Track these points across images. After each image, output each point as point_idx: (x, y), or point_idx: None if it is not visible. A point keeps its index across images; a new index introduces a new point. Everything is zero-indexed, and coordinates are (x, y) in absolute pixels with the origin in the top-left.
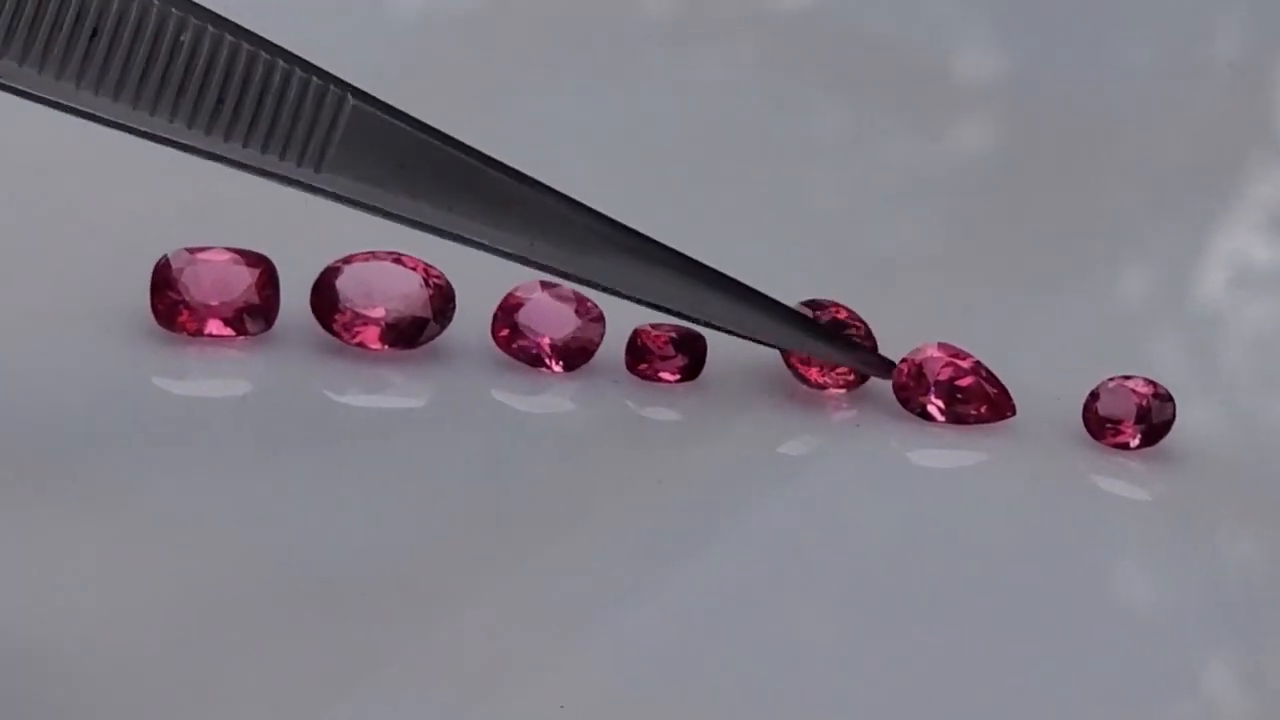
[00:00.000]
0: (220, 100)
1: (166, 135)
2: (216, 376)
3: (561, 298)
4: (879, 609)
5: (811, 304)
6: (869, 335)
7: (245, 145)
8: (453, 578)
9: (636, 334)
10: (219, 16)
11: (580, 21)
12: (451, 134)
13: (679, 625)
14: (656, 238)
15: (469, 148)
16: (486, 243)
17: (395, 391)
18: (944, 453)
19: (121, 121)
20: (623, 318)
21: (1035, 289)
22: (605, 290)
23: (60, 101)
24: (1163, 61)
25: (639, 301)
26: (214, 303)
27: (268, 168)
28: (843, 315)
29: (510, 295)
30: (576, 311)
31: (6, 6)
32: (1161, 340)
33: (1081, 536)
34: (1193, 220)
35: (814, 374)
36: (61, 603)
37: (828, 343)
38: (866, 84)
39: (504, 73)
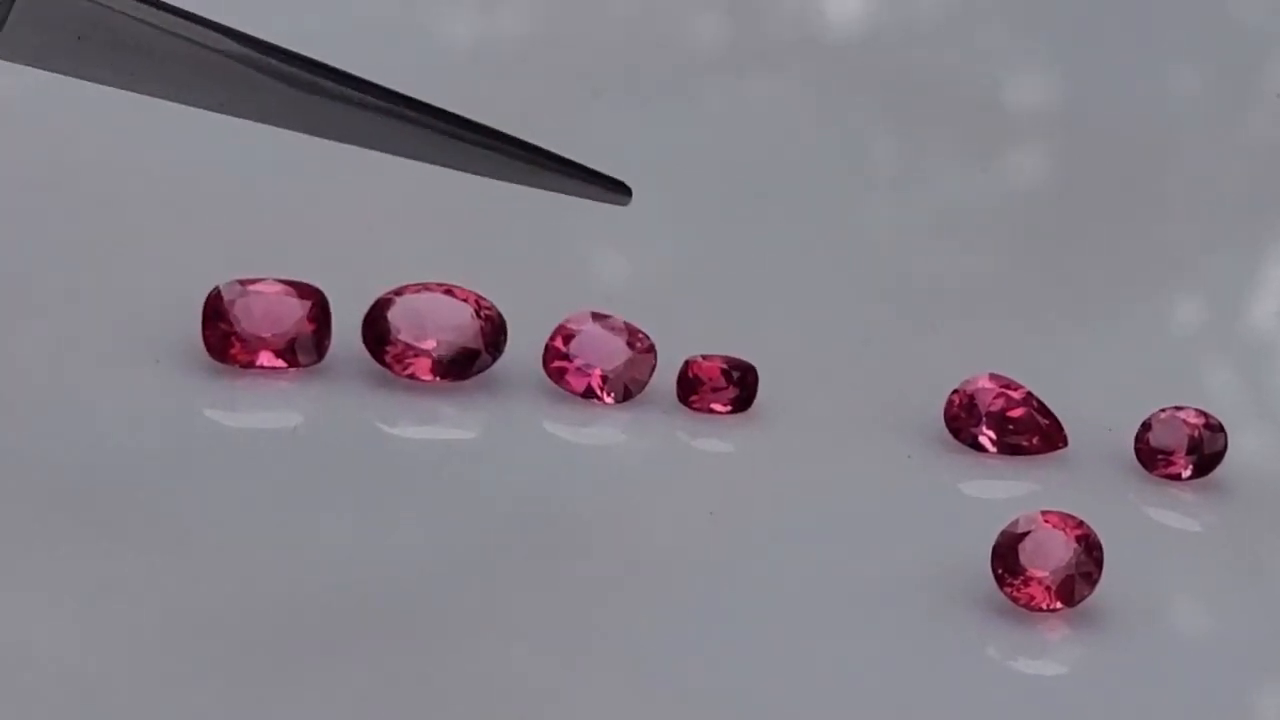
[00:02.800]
0: None
1: None
2: (268, 408)
3: (613, 329)
4: (933, 630)
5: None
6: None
7: None
8: (503, 610)
9: (688, 365)
10: None
11: (631, 50)
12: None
13: (729, 658)
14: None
15: (151, 6)
16: (180, 103)
17: (447, 423)
18: (995, 484)
19: None
20: (675, 349)
21: (1087, 319)
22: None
23: None
24: (1214, 91)
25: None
26: (266, 334)
27: None
28: None
29: (562, 327)
30: (628, 343)
31: None
32: (1215, 370)
33: (1133, 567)
34: (1246, 250)
35: None
36: (113, 636)
37: (555, 170)
38: (917, 114)
39: (556, 101)
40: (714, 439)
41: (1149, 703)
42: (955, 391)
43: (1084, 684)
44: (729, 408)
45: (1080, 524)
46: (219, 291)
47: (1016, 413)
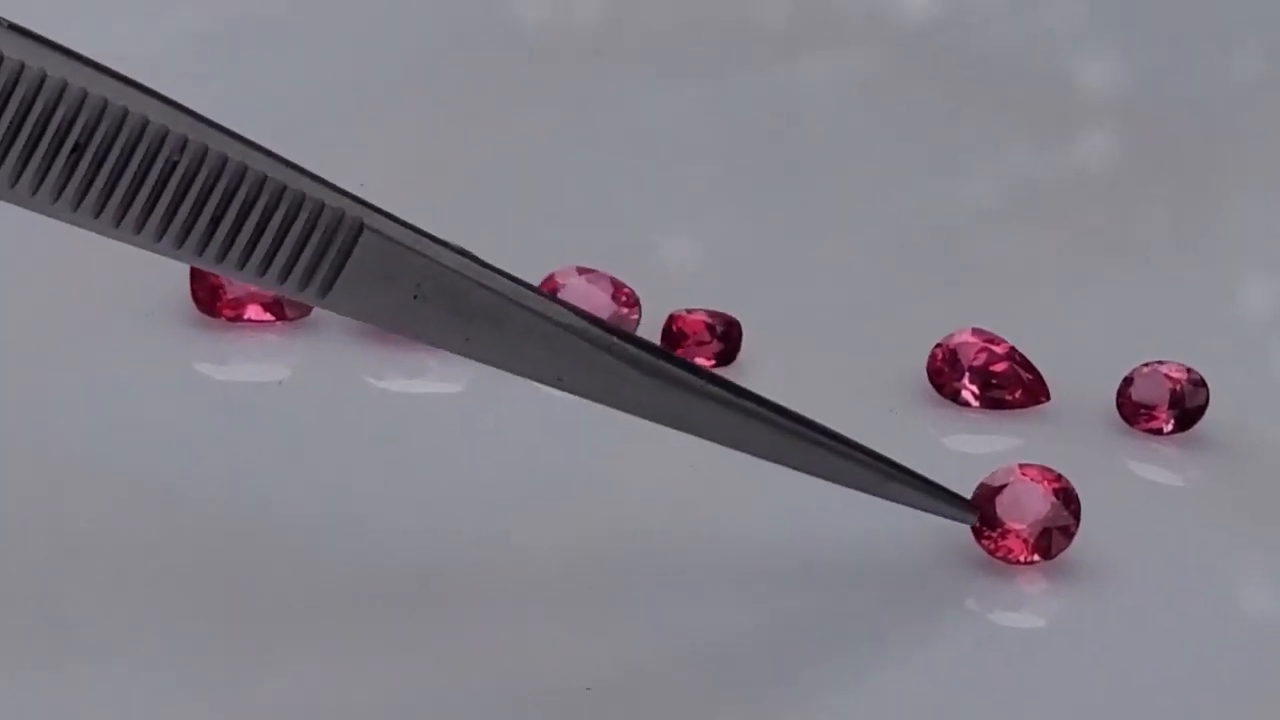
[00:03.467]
0: (214, 224)
1: (152, 250)
2: (257, 361)
3: (598, 283)
4: (913, 583)
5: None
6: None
7: (240, 269)
8: (489, 560)
9: (672, 319)
10: (220, 130)
11: (697, 30)
12: (482, 256)
13: (711, 611)
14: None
15: (492, 272)
16: (513, 373)
17: (433, 376)
18: (978, 437)
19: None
20: (659, 302)
21: (1073, 278)
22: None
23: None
24: None
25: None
26: (254, 288)
27: (266, 288)
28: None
29: (548, 280)
30: (613, 296)
31: None
32: (1197, 327)
33: (1114, 521)
34: (1225, 218)
35: None
36: (103, 586)
37: (908, 485)
38: (985, 96)
39: (620, 81)
40: None
41: (1126, 655)
42: (938, 346)
43: (1062, 636)
44: (713, 362)
45: (1058, 477)
46: None
47: (999, 367)
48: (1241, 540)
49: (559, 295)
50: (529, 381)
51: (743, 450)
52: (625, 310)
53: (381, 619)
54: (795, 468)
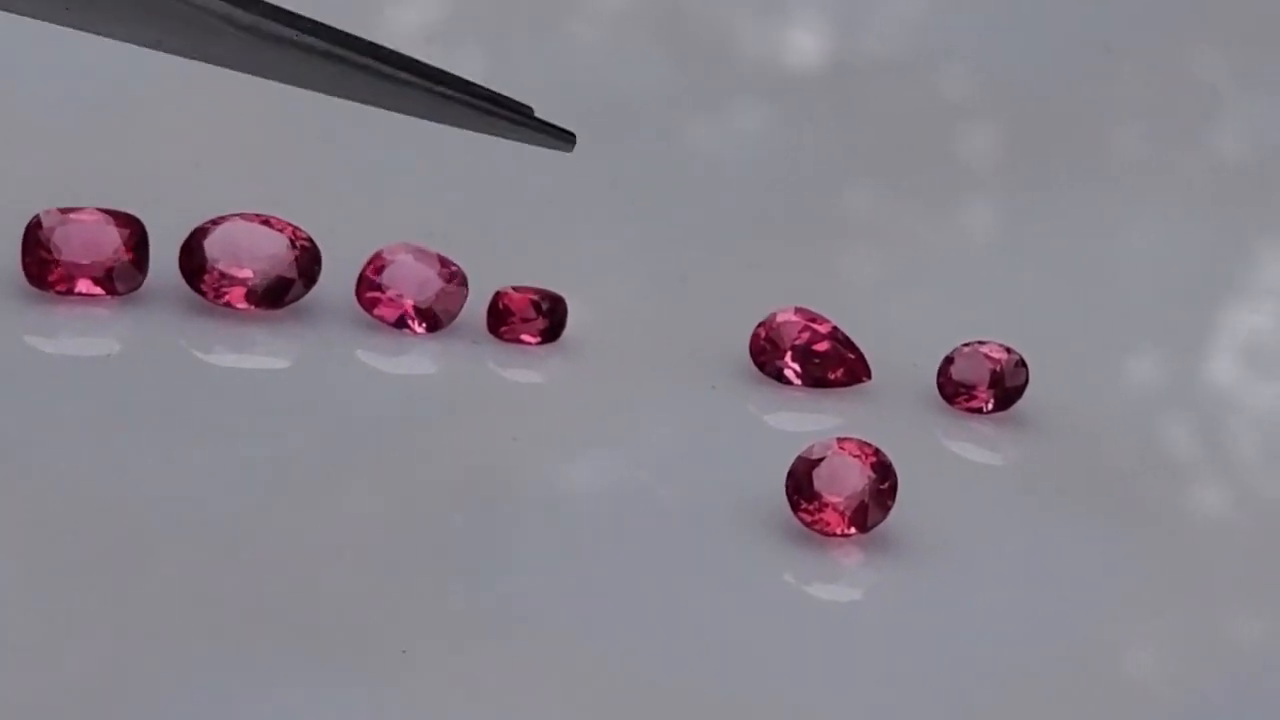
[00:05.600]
0: None
1: None
2: (86, 335)
3: (425, 260)
4: (731, 556)
5: None
6: None
7: None
8: (312, 536)
9: (498, 296)
10: None
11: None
12: None
13: (529, 584)
14: None
15: None
16: (116, 38)
17: (261, 351)
18: (800, 416)
19: None
20: (486, 279)
21: (894, 254)
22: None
23: None
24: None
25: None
26: (84, 262)
27: None
28: None
29: (375, 257)
30: (440, 274)
31: None
32: (1022, 307)
33: (931, 498)
34: (1048, 192)
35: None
36: None
37: (503, 118)
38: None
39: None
40: (523, 369)
41: (940, 628)
42: (761, 325)
43: (877, 609)
44: (538, 339)
45: (875, 451)
46: (39, 219)
47: (821, 346)
48: (1056, 518)
49: (386, 271)
50: (354, 357)
51: (341, 95)
52: (452, 287)
53: (205, 587)
54: (396, 110)
